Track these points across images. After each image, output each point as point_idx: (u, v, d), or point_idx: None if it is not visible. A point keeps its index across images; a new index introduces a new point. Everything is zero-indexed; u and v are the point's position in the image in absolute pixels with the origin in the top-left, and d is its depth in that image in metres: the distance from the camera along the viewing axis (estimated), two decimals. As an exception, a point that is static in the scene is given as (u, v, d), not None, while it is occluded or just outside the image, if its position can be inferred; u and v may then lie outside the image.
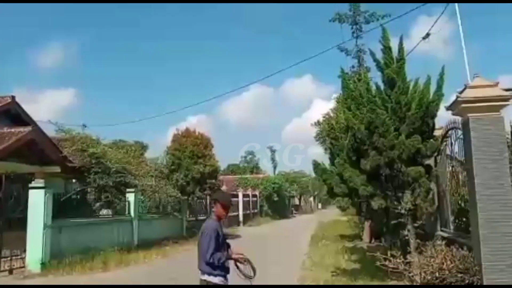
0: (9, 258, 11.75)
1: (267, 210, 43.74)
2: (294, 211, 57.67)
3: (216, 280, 4.68)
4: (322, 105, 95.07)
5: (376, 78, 10.14)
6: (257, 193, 43.31)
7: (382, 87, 9.06)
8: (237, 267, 4.95)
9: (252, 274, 4.93)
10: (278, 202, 45.64)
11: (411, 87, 8.62)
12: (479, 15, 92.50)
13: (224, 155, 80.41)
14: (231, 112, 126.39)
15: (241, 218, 35.68)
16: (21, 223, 12.17)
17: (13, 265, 11.80)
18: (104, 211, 16.17)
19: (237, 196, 36.66)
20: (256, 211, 41.64)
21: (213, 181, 23.62)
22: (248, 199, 39.56)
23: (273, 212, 43.84)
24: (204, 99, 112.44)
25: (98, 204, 16.02)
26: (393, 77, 8.63)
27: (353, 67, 18.38)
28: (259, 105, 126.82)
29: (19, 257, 12.08)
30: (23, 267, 11.98)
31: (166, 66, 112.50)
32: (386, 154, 8.14)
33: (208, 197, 25.79)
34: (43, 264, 12.08)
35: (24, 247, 12.15)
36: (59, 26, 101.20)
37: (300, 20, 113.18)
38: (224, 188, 31.71)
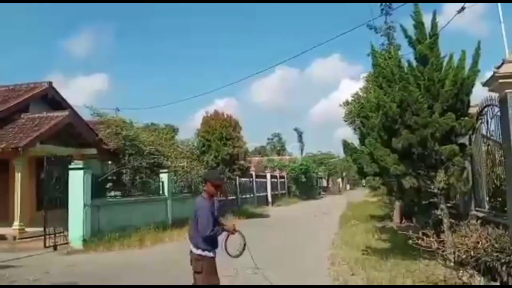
0: (53, 235, 12.43)
1: (295, 191, 43.86)
2: (322, 192, 57.61)
3: (211, 254, 5.23)
4: (350, 85, 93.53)
5: (406, 56, 9.90)
6: (284, 174, 43.46)
7: (414, 64, 8.86)
8: (225, 246, 5.50)
9: (238, 252, 5.49)
10: (305, 183, 45.69)
11: (445, 64, 8.39)
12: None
13: (251, 138, 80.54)
14: (257, 95, 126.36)
15: (269, 199, 35.97)
16: (63, 202, 12.84)
17: (57, 242, 12.49)
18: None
19: (265, 177, 36.91)
20: (284, 192, 41.85)
21: (242, 162, 23.98)
22: (276, 180, 39.78)
23: (300, 193, 43.95)
24: (231, 82, 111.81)
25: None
26: (426, 54, 8.40)
27: (382, 45, 17.92)
28: (286, 87, 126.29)
29: (62, 234, 12.74)
30: (66, 243, 12.65)
31: (192, 51, 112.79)
32: (418, 132, 7.98)
33: (237, 178, 26.20)
34: (84, 241, 12.69)
35: (66, 225, 12.80)
36: (90, 12, 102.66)
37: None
38: (252, 169, 31.98)
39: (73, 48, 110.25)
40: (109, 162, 18.26)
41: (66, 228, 12.80)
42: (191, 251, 5.30)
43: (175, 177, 19.61)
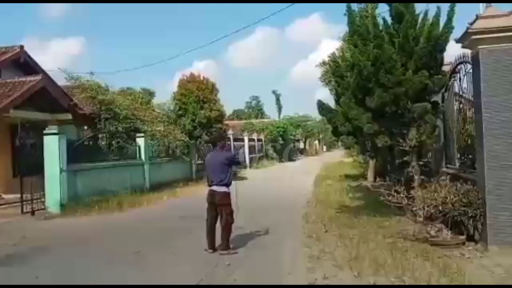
0: (30, 202, 12.24)
1: (272, 153, 44.11)
2: (299, 154, 58.13)
3: (227, 189, 7.18)
4: (330, 45, 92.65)
5: (384, 14, 9.76)
6: (262, 137, 43.55)
7: (390, 21, 8.76)
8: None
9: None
10: (283, 146, 45.94)
11: (419, 21, 8.32)
12: None
13: (230, 100, 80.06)
14: (237, 57, 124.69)
15: (247, 162, 36.10)
16: (39, 168, 12.63)
17: (35, 208, 12.28)
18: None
19: (242, 140, 36.90)
20: (262, 154, 42.03)
21: (219, 125, 23.82)
22: (253, 143, 39.83)
23: (278, 155, 44.24)
24: (208, 42, 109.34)
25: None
26: (401, 11, 8.32)
27: (360, 3, 17.66)
28: (266, 49, 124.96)
29: (39, 200, 12.56)
30: (44, 209, 12.50)
31: (172, 16, 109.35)
32: (392, 91, 7.97)
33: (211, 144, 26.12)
34: (62, 205, 12.62)
35: (44, 191, 12.66)
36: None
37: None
38: (230, 132, 31.87)
39: (48, 11, 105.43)
40: (85, 127, 17.95)
41: (43, 194, 12.66)
42: (214, 191, 7.16)
43: (152, 142, 19.45)
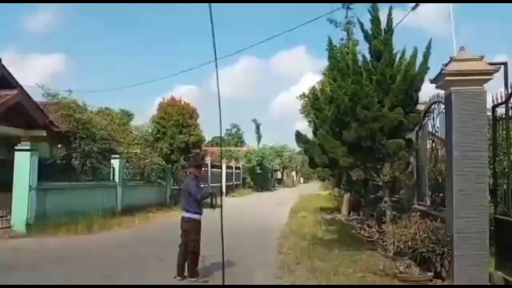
0: (-6, 219, 11.78)
1: (250, 182, 44.03)
2: (276, 184, 58.16)
3: (197, 217, 7.18)
4: (312, 79, 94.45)
5: (364, 51, 10.06)
6: (240, 165, 43.50)
7: (369, 58, 9.02)
8: (211, 200, 7.54)
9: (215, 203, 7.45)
10: (260, 175, 45.96)
11: (397, 60, 8.60)
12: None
13: (211, 127, 79.94)
14: (220, 84, 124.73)
15: (223, 189, 35.85)
16: (7, 185, 12.26)
17: (-1, 225, 11.80)
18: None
19: (220, 167, 36.76)
20: (239, 182, 41.90)
21: (197, 150, 23.69)
22: (231, 170, 39.73)
23: (255, 184, 44.17)
24: (189, 68, 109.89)
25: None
26: (380, 49, 8.58)
27: (342, 39, 18.21)
28: (249, 78, 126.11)
29: (4, 218, 12.16)
30: (9, 227, 12.07)
31: (157, 39, 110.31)
32: (368, 126, 8.13)
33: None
34: (28, 225, 12.21)
35: (10, 208, 12.25)
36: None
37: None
38: (208, 158, 31.74)
39: (30, 25, 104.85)
40: (59, 146, 17.63)
41: (10, 212, 12.26)
42: (183, 217, 7.24)
43: (127, 164, 19.17)
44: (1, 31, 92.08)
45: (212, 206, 7.31)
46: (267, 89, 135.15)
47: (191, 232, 7.13)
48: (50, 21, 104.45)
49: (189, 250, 7.07)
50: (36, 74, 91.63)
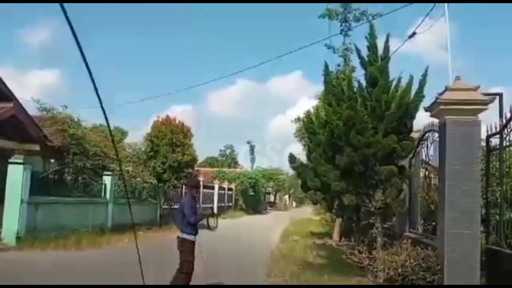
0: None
1: (242, 204, 43.73)
2: (268, 207, 57.83)
3: (192, 237, 7.04)
4: (308, 103, 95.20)
5: (361, 77, 10.17)
6: (233, 186, 43.28)
7: (364, 85, 9.11)
8: (207, 221, 7.76)
9: (215, 225, 7.85)
10: (253, 197, 45.68)
11: (392, 87, 8.68)
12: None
13: (204, 147, 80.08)
14: (216, 105, 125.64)
15: (215, 210, 35.52)
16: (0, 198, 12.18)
17: (-11, 238, 11.67)
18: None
19: (212, 188, 36.53)
20: (231, 204, 41.60)
21: (190, 170, 23.53)
22: (223, 192, 39.49)
23: (247, 206, 43.86)
24: (185, 87, 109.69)
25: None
26: (376, 75, 8.67)
27: (339, 65, 18.33)
28: (245, 100, 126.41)
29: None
30: (-1, 240, 11.92)
31: (155, 57, 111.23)
32: (361, 151, 8.15)
33: (184, 186, 25.68)
34: (18, 238, 12.10)
35: (1, 221, 12.17)
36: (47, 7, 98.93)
37: (295, 18, 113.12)
38: (200, 179, 31.56)
39: (29, 39, 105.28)
40: (52, 160, 17.53)
41: (0, 224, 12.15)
42: (178, 236, 7.12)
43: (119, 181, 19.02)
44: (1, 44, 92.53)
45: (209, 227, 7.35)
46: (262, 112, 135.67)
47: (184, 253, 7.02)
48: (49, 36, 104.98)
49: (182, 271, 6.96)
50: (34, 88, 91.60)
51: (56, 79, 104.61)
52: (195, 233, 7.15)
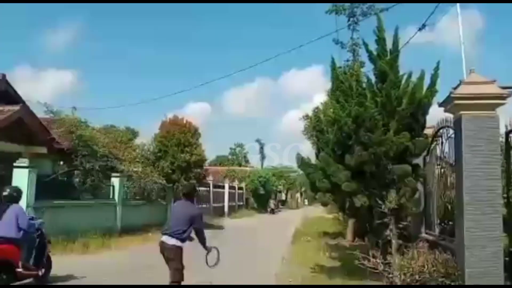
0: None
1: (253, 203, 43.50)
2: (280, 206, 57.48)
3: (183, 244, 6.59)
4: (321, 98, 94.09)
5: (370, 73, 9.77)
6: (243, 185, 43.07)
7: (373, 80, 8.70)
8: (206, 254, 6.94)
9: (215, 262, 6.96)
10: (264, 196, 45.37)
11: (403, 81, 8.26)
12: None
13: (217, 146, 79.92)
14: (232, 102, 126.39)
15: (226, 210, 35.39)
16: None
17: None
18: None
19: (223, 187, 36.35)
20: (241, 203, 41.42)
21: (199, 170, 23.36)
22: (234, 191, 39.30)
23: (258, 205, 43.61)
24: (199, 84, 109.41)
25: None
26: (385, 70, 8.25)
27: (347, 60, 17.90)
28: (260, 98, 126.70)
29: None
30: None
31: (170, 56, 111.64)
32: (372, 150, 7.76)
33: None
34: (24, 242, 11.85)
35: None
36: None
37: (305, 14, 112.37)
38: (210, 178, 31.35)
39: (47, 41, 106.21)
40: (61, 163, 17.38)
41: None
42: (163, 242, 6.57)
43: (128, 182, 18.84)
44: (18, 45, 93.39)
45: (206, 263, 6.95)
46: (277, 109, 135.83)
47: (175, 261, 6.50)
48: (67, 38, 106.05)
49: (173, 280, 6.47)
50: (50, 89, 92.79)
51: (74, 80, 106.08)
52: (188, 240, 6.76)
